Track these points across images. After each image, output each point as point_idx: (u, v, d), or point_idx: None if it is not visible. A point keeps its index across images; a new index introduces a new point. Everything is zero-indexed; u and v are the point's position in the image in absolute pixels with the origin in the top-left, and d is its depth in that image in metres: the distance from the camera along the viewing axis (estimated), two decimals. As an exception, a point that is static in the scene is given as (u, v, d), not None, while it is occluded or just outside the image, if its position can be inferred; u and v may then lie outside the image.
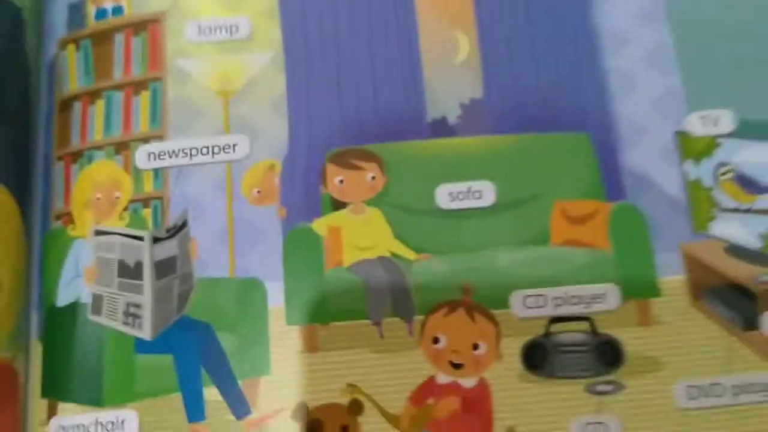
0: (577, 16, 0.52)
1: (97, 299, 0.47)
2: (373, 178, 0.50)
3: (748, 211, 0.48)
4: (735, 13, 0.52)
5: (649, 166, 0.49)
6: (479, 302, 0.46)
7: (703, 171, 0.49)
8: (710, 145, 0.49)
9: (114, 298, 0.46)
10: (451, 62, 0.52)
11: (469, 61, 0.52)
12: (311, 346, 0.46)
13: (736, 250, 0.47)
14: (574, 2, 0.52)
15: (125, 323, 0.46)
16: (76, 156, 0.51)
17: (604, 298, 0.46)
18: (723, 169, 0.48)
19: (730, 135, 0.49)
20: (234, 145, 0.50)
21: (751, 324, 0.45)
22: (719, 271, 0.47)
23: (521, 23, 0.52)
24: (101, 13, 0.53)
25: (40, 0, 0.54)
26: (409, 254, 0.48)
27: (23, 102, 0.51)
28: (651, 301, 0.46)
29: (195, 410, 0.45)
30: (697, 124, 0.49)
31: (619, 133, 0.50)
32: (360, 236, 0.49)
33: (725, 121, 0.49)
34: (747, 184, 0.48)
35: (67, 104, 0.52)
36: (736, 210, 0.48)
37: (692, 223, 0.48)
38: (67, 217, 0.49)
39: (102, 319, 0.46)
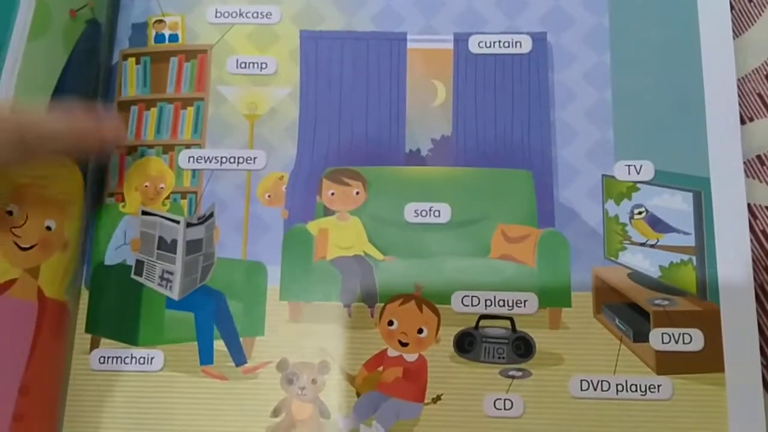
0: (534, 74, 0.55)
1: (140, 264, 0.52)
2: (358, 193, 0.53)
3: (653, 246, 0.51)
4: (667, 84, 0.54)
5: (576, 201, 0.52)
6: (427, 297, 0.51)
7: (621, 209, 0.52)
8: (631, 188, 0.52)
9: (153, 264, 0.52)
10: (429, 105, 0.55)
11: (443, 105, 0.55)
12: (296, 317, 0.51)
13: (638, 277, 0.51)
14: (533, 63, 0.55)
15: (160, 285, 0.51)
16: (131, 149, 0.55)
17: (525, 303, 0.50)
18: (638, 210, 0.52)
19: (648, 182, 0.52)
20: (255, 158, 0.54)
21: (640, 337, 0.49)
22: (621, 292, 0.51)
23: (489, 78, 0.55)
24: (160, 38, 0.57)
25: (112, 17, 0.57)
26: (378, 255, 0.52)
27: (95, 97, 0.54)
28: (562, 310, 0.50)
29: (206, 356, 0.50)
30: (623, 171, 0.53)
31: (557, 172, 0.53)
32: (342, 238, 0.52)
33: (647, 169, 0.52)
34: (656, 223, 0.51)
35: (124, 106, 0.56)
36: (643, 244, 0.51)
37: (605, 251, 0.51)
38: (119, 196, 0.54)
39: (142, 280, 0.52)
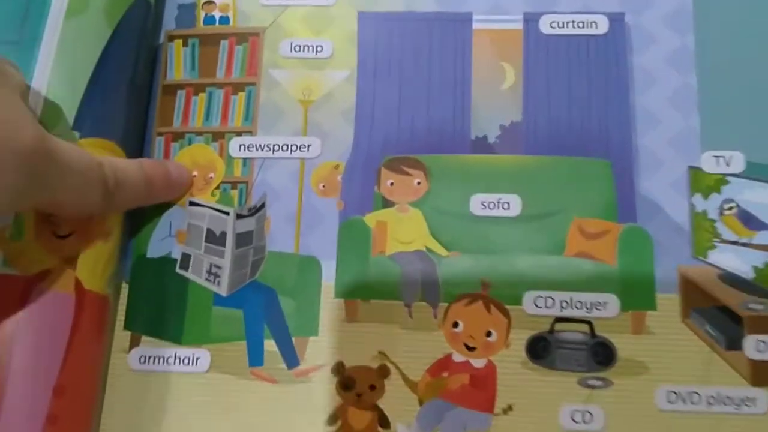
0: (612, 56, 0.52)
1: (186, 257, 0.50)
2: (419, 183, 0.51)
3: (745, 244, 0.48)
4: (757, 66, 0.51)
5: (660, 194, 0.49)
6: (496, 297, 0.48)
7: (709, 204, 0.49)
8: (719, 181, 0.49)
9: (200, 258, 0.50)
10: (497, 88, 0.52)
11: (512, 88, 0.52)
12: (352, 317, 0.48)
13: (729, 278, 0.47)
14: (611, 45, 0.52)
15: (207, 280, 0.49)
16: (177, 136, 0.53)
17: (605, 306, 0.47)
18: (728, 205, 0.48)
19: (738, 175, 0.49)
20: (309, 146, 0.52)
21: (732, 344, 0.46)
22: (711, 294, 0.47)
23: (562, 60, 0.52)
24: (210, 20, 0.55)
25: None
26: (441, 251, 0.49)
27: (143, 77, 0.53)
28: (646, 314, 0.47)
29: (256, 357, 0.48)
30: (710, 162, 0.49)
31: (638, 162, 0.50)
32: (402, 231, 0.50)
33: (737, 161, 0.49)
34: (748, 220, 0.48)
35: (169, 89, 0.54)
36: (734, 243, 0.48)
37: (692, 249, 0.48)
38: None
39: (188, 274, 0.50)
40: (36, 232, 0.44)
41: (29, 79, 0.45)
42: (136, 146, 0.52)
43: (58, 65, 0.46)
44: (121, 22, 0.49)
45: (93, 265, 0.45)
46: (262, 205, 0.51)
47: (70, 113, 0.46)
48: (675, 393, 0.45)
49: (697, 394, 0.45)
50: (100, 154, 0.45)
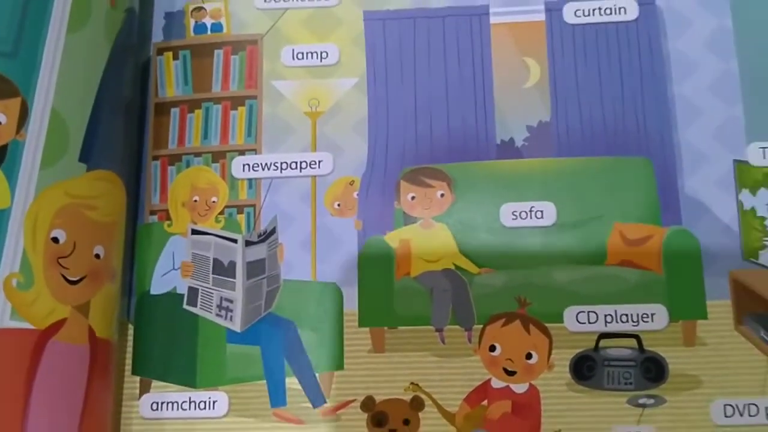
0: (645, 44, 0.53)
1: (193, 292, 0.51)
2: (442, 195, 0.52)
3: None
4: None
5: (705, 192, 0.51)
6: (534, 315, 0.49)
7: (758, 201, 0.50)
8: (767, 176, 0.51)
9: (209, 292, 0.51)
10: (521, 87, 0.54)
11: (538, 85, 0.54)
12: (379, 346, 0.50)
13: None
14: (642, 31, 0.53)
15: (218, 315, 0.51)
16: (173, 159, 0.54)
17: (653, 317, 0.49)
18: None
19: None
20: (319, 162, 0.53)
21: None
22: (765, 298, 0.48)
23: (590, 51, 0.54)
24: (201, 28, 0.56)
25: (143, 4, 0.55)
26: (472, 268, 0.51)
27: (134, 96, 0.53)
28: (697, 323, 0.49)
29: (277, 396, 0.49)
30: (757, 155, 0.51)
31: (679, 159, 0.51)
32: (428, 249, 0.51)
33: None
34: None
35: (162, 108, 0.55)
36: None
37: (743, 251, 0.50)
38: (163, 214, 0.53)
39: (197, 310, 0.51)
40: (46, 278, 0.44)
41: (29, 100, 0.44)
42: (133, 173, 0.53)
43: (63, 86, 0.45)
44: (117, 37, 0.49)
45: (103, 311, 0.47)
46: (273, 230, 0.52)
47: (76, 141, 0.46)
48: (732, 406, 0.47)
49: (755, 405, 0.47)
50: (104, 187, 0.47)
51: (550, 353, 0.49)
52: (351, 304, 0.51)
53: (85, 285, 0.46)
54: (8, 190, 0.43)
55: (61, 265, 0.45)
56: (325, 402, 0.49)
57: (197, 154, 0.54)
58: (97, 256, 0.47)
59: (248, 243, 0.51)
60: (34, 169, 0.44)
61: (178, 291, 0.52)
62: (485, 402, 0.48)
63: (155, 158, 0.54)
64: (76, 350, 0.45)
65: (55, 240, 0.45)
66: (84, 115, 0.47)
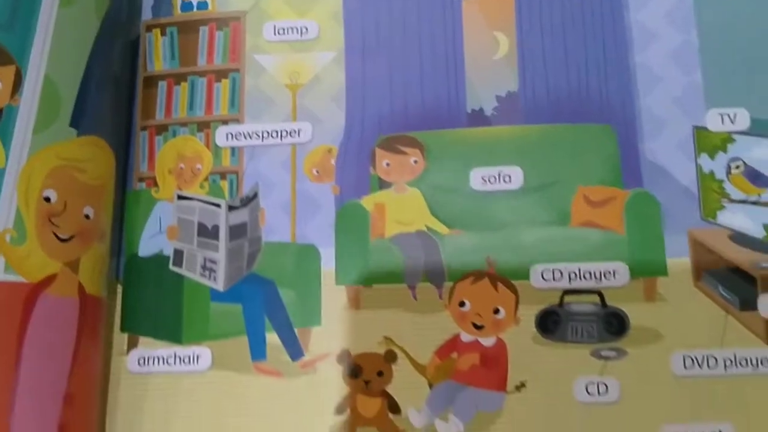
0: (608, 16, 0.55)
1: (179, 253, 0.53)
2: (416, 161, 0.54)
3: (754, 203, 0.51)
4: (759, 20, 0.53)
5: (665, 157, 0.52)
6: (502, 273, 0.50)
7: (716, 164, 0.52)
8: (725, 140, 0.52)
9: (193, 253, 0.52)
10: (491, 59, 0.55)
11: (507, 57, 0.55)
12: (355, 303, 0.51)
13: (740, 238, 0.51)
14: (605, 3, 0.55)
15: (202, 275, 0.52)
16: (161, 129, 0.56)
17: (615, 274, 0.50)
18: (735, 164, 0.51)
19: (744, 132, 0.52)
20: (299, 131, 0.55)
21: (747, 305, 0.49)
22: (722, 256, 0.50)
23: (556, 24, 0.55)
24: (187, 6, 0.58)
25: None
26: (443, 229, 0.52)
27: (124, 71, 0.55)
28: (657, 280, 0.50)
29: (258, 351, 0.51)
30: (716, 120, 0.52)
31: (641, 125, 0.53)
32: (401, 212, 0.53)
33: (742, 118, 0.52)
34: (756, 178, 0.51)
35: (150, 81, 0.57)
36: (743, 202, 0.51)
37: (701, 211, 0.51)
38: (151, 181, 0.55)
39: (182, 271, 0.52)
40: (38, 235, 0.46)
41: (23, 68, 0.47)
42: (122, 142, 0.55)
43: (55, 56, 0.48)
44: (107, 14, 0.51)
45: (92, 269, 0.49)
46: (255, 195, 0.54)
47: (67, 108, 0.48)
48: (691, 358, 0.48)
49: (714, 357, 0.48)
50: (93, 152, 0.49)
51: (516, 309, 0.50)
52: (328, 264, 0.52)
53: (75, 243, 0.48)
54: (3, 151, 0.46)
55: (52, 223, 0.47)
56: (303, 355, 0.51)
57: (183, 124, 0.56)
58: (87, 216, 0.49)
59: (231, 207, 0.53)
60: (27, 133, 0.46)
61: (165, 253, 0.53)
62: (455, 354, 0.50)
63: (144, 128, 0.56)
64: (67, 303, 0.47)
65: (47, 199, 0.47)
66: (75, 83, 0.49)
